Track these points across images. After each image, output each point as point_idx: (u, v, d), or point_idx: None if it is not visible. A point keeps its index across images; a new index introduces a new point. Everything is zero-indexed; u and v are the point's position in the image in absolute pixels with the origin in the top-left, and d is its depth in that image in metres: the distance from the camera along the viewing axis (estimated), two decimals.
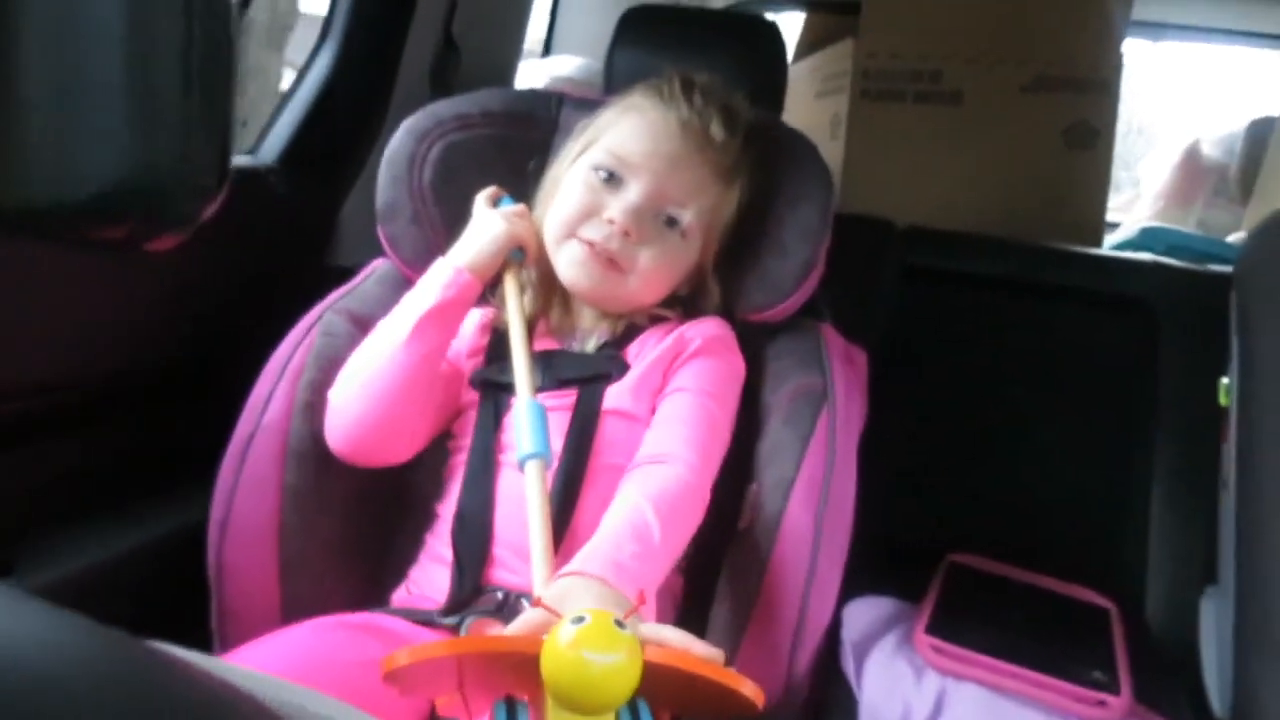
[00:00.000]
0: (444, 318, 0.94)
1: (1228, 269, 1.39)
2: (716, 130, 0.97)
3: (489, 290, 1.01)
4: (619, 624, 0.59)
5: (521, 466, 0.85)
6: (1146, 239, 1.70)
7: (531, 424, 0.86)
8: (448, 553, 0.93)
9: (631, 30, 1.24)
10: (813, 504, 0.91)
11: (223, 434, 0.95)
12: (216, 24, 0.28)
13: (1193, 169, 1.98)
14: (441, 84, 1.42)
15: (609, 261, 0.96)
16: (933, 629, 1.03)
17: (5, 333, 0.90)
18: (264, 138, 1.29)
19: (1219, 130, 2.01)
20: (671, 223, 0.97)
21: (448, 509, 0.96)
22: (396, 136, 1.11)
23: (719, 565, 0.95)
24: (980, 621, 1.05)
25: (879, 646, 1.02)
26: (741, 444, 1.00)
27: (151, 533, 1.00)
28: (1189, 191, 1.97)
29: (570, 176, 0.99)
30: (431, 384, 0.96)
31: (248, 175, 1.23)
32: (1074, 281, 1.48)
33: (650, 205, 0.96)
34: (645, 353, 0.98)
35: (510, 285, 0.98)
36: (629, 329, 1.02)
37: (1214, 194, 1.95)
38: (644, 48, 1.21)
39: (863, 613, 1.07)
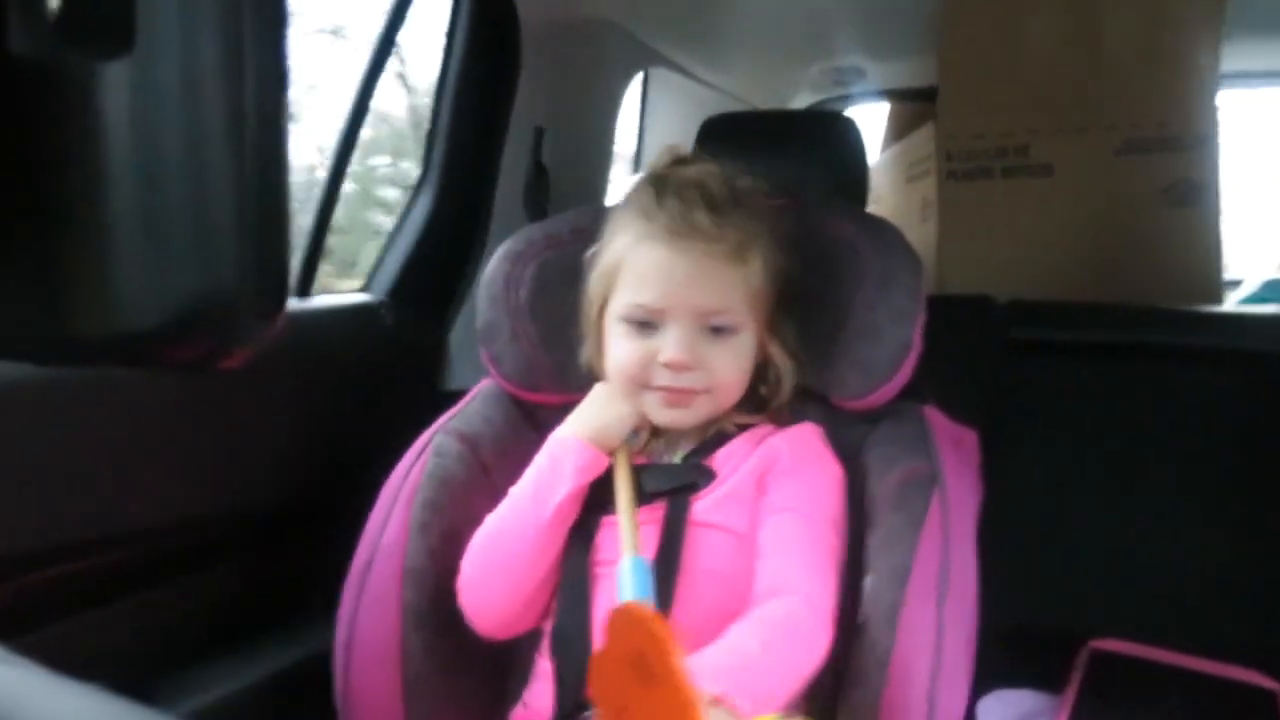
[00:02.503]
0: (580, 498, 0.96)
1: None
2: (702, 220, 0.94)
3: None
4: None
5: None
6: (1270, 291, 1.62)
7: (636, 579, 0.86)
8: (551, 665, 0.93)
9: (713, 138, 1.29)
10: (932, 593, 0.88)
11: (344, 561, 0.98)
12: (269, 166, 0.31)
13: None
14: (535, 207, 1.49)
15: (688, 394, 0.97)
16: None
17: (135, 475, 0.95)
18: (375, 274, 1.37)
19: None
20: (719, 330, 0.96)
21: (547, 625, 0.97)
22: (492, 261, 1.16)
23: (840, 667, 0.92)
24: (1130, 712, 0.98)
25: None
26: (851, 538, 0.98)
27: (280, 663, 1.03)
28: None
29: (608, 329, 1.00)
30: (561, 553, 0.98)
31: (361, 310, 1.31)
32: (1191, 341, 1.42)
33: (693, 331, 0.95)
34: (734, 463, 0.98)
35: (621, 469, 0.97)
36: (716, 437, 1.01)
37: None
38: (727, 153, 1.24)
39: (999, 708, 1.02)
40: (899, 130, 2.08)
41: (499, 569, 0.95)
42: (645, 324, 0.96)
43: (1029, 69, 1.63)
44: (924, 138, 1.82)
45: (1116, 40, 1.59)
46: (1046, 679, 1.08)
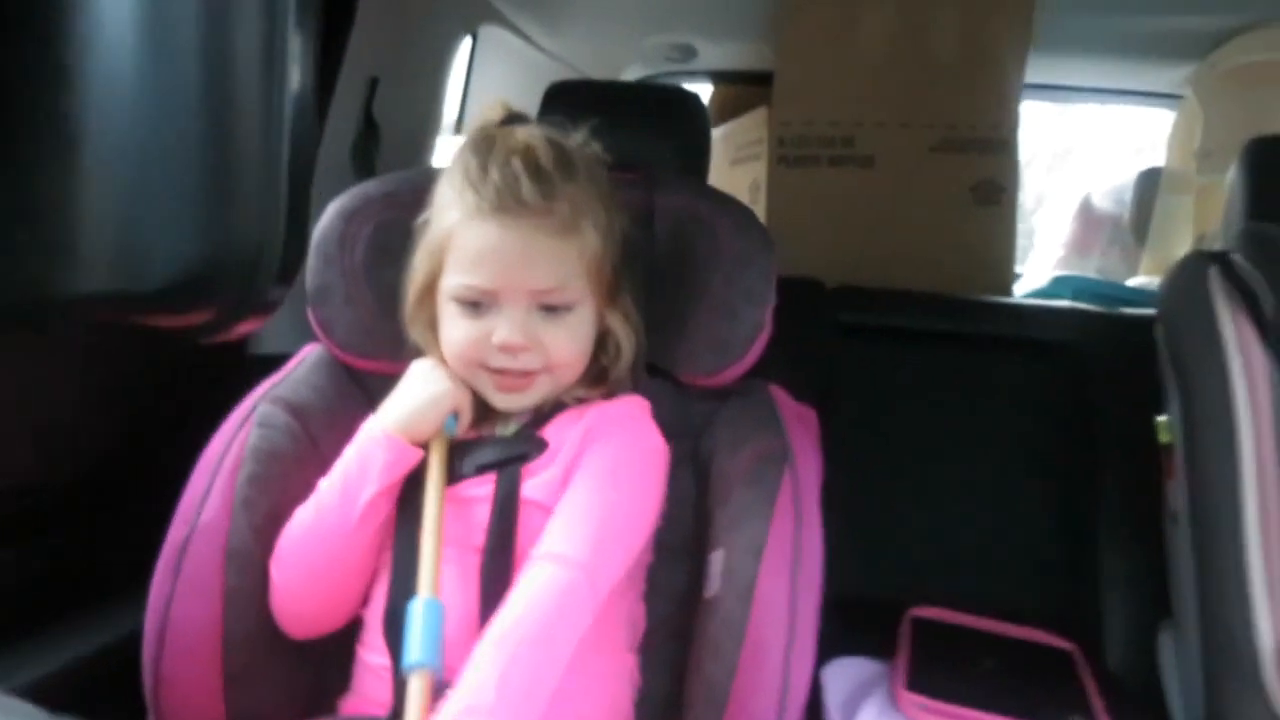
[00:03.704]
0: (391, 494, 0.91)
1: (1141, 311, 1.47)
2: (529, 193, 0.88)
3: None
4: None
5: (406, 675, 0.79)
6: (1057, 286, 1.77)
7: (426, 627, 0.80)
8: (382, 657, 0.88)
9: (556, 106, 1.24)
10: (785, 568, 0.89)
11: (152, 540, 0.89)
12: (298, 91, 0.26)
13: (1088, 220, 2.08)
14: (364, 165, 1.40)
15: (525, 376, 0.93)
16: (914, 686, 1.02)
17: None
18: None
19: (1108, 184, 2.12)
20: (554, 308, 0.92)
21: (374, 613, 0.91)
22: (325, 217, 1.07)
23: (683, 638, 0.93)
24: (956, 674, 1.05)
25: (864, 709, 1.00)
26: (699, 512, 0.98)
27: (80, 651, 0.93)
28: (1087, 241, 2.07)
29: (440, 307, 0.94)
30: (378, 545, 0.92)
31: None
32: (1001, 331, 1.53)
33: (527, 311, 0.91)
34: (564, 435, 0.94)
35: (434, 460, 0.91)
36: (553, 407, 0.97)
37: (1109, 243, 2.05)
38: (570, 122, 1.21)
39: (841, 675, 1.06)
40: (722, 113, 2.11)
41: (306, 573, 0.89)
42: (477, 304, 0.91)
43: (860, 63, 1.69)
44: (753, 121, 1.86)
45: (939, 43, 1.68)
46: (878, 647, 1.13)
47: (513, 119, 0.97)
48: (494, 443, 0.96)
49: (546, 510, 0.90)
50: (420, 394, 0.93)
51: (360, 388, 1.06)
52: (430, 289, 0.95)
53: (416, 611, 0.81)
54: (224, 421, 0.97)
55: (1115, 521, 1.36)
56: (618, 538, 0.88)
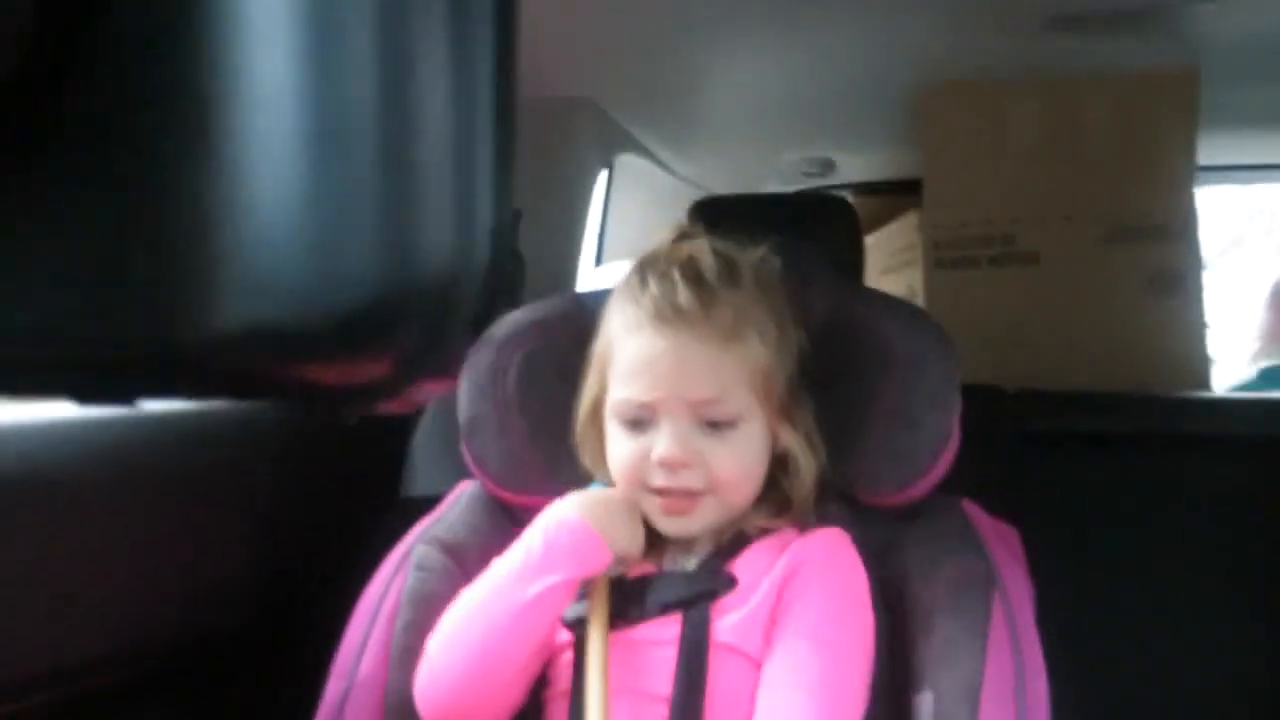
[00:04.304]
0: (572, 592, 0.84)
1: None
2: (687, 301, 0.84)
3: None
4: None
5: None
6: (1266, 380, 1.60)
7: None
8: None
9: (703, 224, 1.21)
10: (1009, 712, 0.77)
11: (311, 695, 0.85)
12: (499, 79, 0.21)
13: None
14: (510, 298, 1.39)
15: (686, 496, 0.86)
16: None
17: (70, 603, 0.81)
18: None
19: None
20: (717, 424, 0.86)
21: None
22: (475, 349, 1.05)
23: None
24: None
25: None
26: (889, 651, 0.86)
27: None
28: None
29: (607, 426, 0.90)
30: (546, 641, 0.85)
31: None
32: (1206, 429, 1.37)
33: (686, 427, 0.85)
34: (757, 571, 0.86)
35: (599, 599, 0.84)
36: (736, 539, 0.90)
37: None
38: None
39: None
40: (866, 225, 2.05)
41: (468, 651, 0.83)
42: (639, 421, 0.87)
43: (1012, 157, 1.62)
44: (902, 228, 1.79)
45: (1094, 130, 1.59)
46: None
47: (684, 236, 0.94)
48: (675, 578, 0.88)
49: (740, 655, 0.82)
50: (626, 513, 0.87)
51: (517, 524, 1.01)
52: (597, 409, 0.91)
53: None
54: (379, 567, 0.94)
55: None
56: (847, 706, 0.80)
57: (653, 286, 0.86)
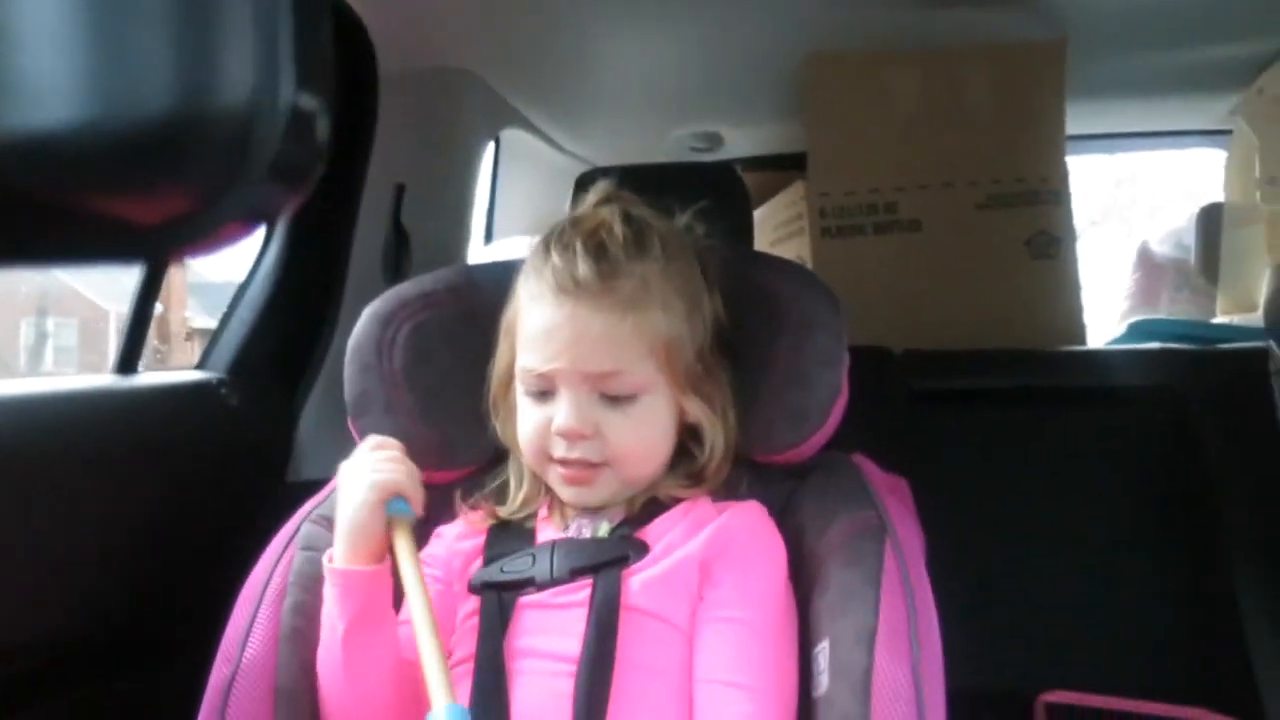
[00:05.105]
0: (366, 623, 0.80)
1: (1242, 345, 1.37)
2: (587, 273, 0.83)
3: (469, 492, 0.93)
4: None
5: None
6: (1135, 334, 1.68)
7: None
8: None
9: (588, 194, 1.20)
10: (904, 653, 0.79)
11: (194, 684, 0.81)
12: None
13: (1150, 268, 2.00)
14: (396, 272, 1.35)
15: (586, 467, 0.86)
16: None
17: None
18: (212, 347, 1.20)
19: (1163, 229, 2.05)
20: (617, 398, 0.85)
21: None
22: (360, 324, 1.02)
23: None
24: None
25: None
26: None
27: None
28: (1151, 290, 1.98)
29: (516, 396, 0.90)
30: (401, 659, 0.82)
31: (197, 389, 1.13)
32: (1086, 381, 1.43)
33: (585, 399, 0.85)
34: (670, 539, 0.86)
35: (402, 550, 0.81)
36: (648, 506, 0.90)
37: (1176, 289, 1.96)
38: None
39: None
40: (753, 199, 2.07)
41: (341, 697, 0.81)
42: (542, 392, 0.86)
43: (894, 128, 1.65)
44: (789, 199, 1.81)
45: (972, 100, 1.63)
46: None
47: (606, 201, 0.92)
48: (586, 544, 0.88)
49: (652, 617, 0.82)
50: (345, 501, 0.83)
51: None
52: (508, 378, 0.91)
53: None
54: (265, 549, 0.90)
55: (1255, 578, 1.22)
56: (781, 678, 0.82)
57: (555, 257, 0.85)
